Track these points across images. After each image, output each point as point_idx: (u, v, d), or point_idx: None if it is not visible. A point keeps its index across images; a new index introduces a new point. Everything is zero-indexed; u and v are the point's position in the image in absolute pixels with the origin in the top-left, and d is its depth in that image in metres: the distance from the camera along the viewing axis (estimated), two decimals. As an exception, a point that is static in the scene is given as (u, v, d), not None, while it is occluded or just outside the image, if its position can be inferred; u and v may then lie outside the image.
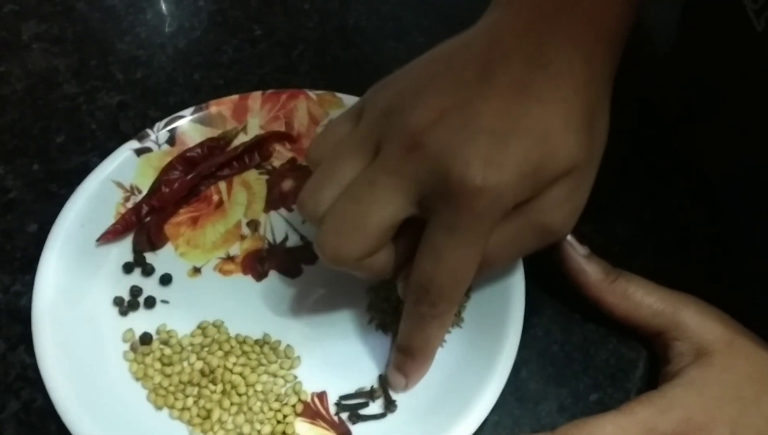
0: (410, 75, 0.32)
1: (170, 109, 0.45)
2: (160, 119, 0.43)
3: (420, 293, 0.31)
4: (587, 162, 0.31)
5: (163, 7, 0.53)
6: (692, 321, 0.34)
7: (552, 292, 0.39)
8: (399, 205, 0.30)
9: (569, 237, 0.36)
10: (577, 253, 0.36)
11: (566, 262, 0.37)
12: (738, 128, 0.39)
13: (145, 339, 0.37)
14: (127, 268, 0.39)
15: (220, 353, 0.37)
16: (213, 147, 0.43)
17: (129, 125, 0.46)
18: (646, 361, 0.37)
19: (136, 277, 0.39)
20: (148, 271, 0.39)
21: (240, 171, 0.43)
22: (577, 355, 0.38)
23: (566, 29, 0.31)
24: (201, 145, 0.43)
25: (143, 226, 0.41)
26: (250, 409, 0.35)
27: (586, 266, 0.36)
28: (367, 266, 0.31)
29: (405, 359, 0.35)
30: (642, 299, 0.35)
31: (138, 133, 0.42)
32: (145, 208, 0.41)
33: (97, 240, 0.39)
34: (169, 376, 0.36)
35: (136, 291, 0.39)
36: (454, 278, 0.30)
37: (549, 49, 0.31)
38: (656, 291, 0.35)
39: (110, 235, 0.40)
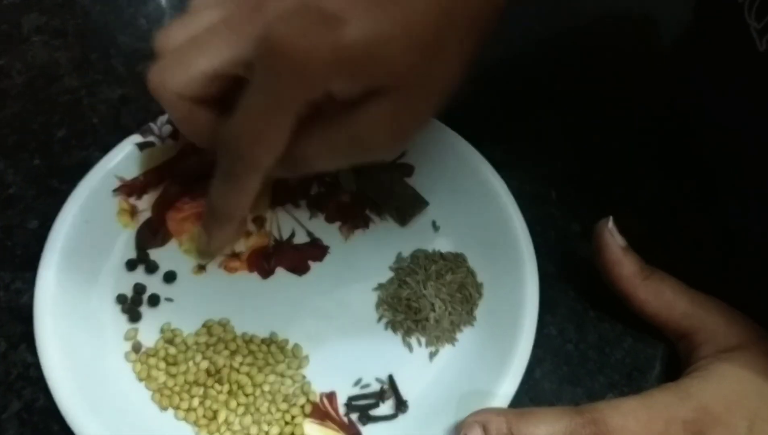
0: None
1: (173, 102, 0.44)
2: (163, 113, 0.42)
3: (224, 147, 0.32)
4: (418, 85, 0.31)
5: (166, -1, 0.52)
6: (720, 325, 0.34)
7: (566, 290, 0.39)
8: (226, 57, 0.31)
9: (611, 225, 0.36)
10: (616, 243, 0.36)
11: (604, 251, 0.36)
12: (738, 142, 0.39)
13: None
14: (131, 266, 0.39)
15: (226, 352, 0.36)
16: None
17: (131, 119, 0.45)
18: (662, 360, 0.37)
19: (139, 275, 0.39)
20: (151, 268, 0.39)
21: None
22: (592, 354, 0.37)
23: None
24: None
25: (147, 221, 0.40)
26: (257, 409, 0.35)
27: (623, 258, 0.36)
28: (187, 115, 0.32)
29: (207, 216, 0.36)
30: (674, 299, 0.35)
31: (140, 127, 0.42)
32: (168, 171, 0.40)
33: (114, 190, 0.39)
34: (174, 375, 0.35)
35: (139, 289, 0.38)
36: (253, 137, 0.30)
37: None
38: (687, 293, 0.35)
39: (126, 188, 0.39)
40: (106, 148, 0.41)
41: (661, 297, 0.35)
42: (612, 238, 0.36)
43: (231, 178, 0.32)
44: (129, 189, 0.40)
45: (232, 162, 0.32)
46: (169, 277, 0.38)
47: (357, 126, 0.31)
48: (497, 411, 0.32)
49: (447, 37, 0.31)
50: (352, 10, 0.29)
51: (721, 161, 0.42)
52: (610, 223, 0.36)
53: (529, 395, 0.36)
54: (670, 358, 0.36)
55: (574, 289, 0.39)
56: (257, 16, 0.30)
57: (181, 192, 0.41)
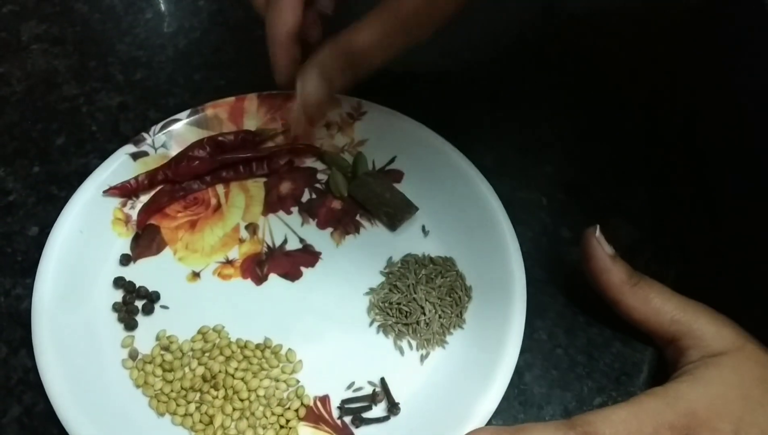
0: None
1: (170, 110, 0.45)
2: (160, 121, 0.43)
3: None
4: None
5: (163, 7, 0.52)
6: (707, 330, 0.34)
7: (556, 295, 0.39)
8: None
9: (598, 233, 0.36)
10: (604, 251, 0.36)
11: (592, 259, 0.36)
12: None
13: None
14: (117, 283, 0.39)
15: (221, 358, 0.37)
16: (246, 139, 0.43)
17: (129, 127, 0.46)
18: (650, 365, 0.37)
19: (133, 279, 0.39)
20: (142, 295, 0.39)
21: (245, 177, 0.43)
22: (581, 359, 0.37)
23: None
24: (236, 133, 0.43)
25: (137, 236, 0.41)
26: (252, 414, 0.35)
27: (611, 266, 0.36)
28: None
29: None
30: (662, 305, 0.35)
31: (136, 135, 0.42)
32: (160, 175, 0.41)
33: (105, 191, 0.40)
34: (170, 382, 0.36)
35: (131, 298, 0.38)
36: None
37: None
38: (674, 298, 0.35)
39: (117, 191, 0.40)
40: (104, 155, 0.42)
41: (649, 303, 0.35)
42: (599, 246, 0.36)
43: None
44: (119, 191, 0.40)
45: None
46: (155, 297, 0.39)
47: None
48: (492, 429, 0.33)
49: None
50: None
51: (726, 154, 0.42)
52: (598, 232, 0.36)
53: (519, 399, 0.36)
54: (658, 363, 0.37)
55: (563, 294, 0.39)
56: None
57: (171, 198, 0.42)
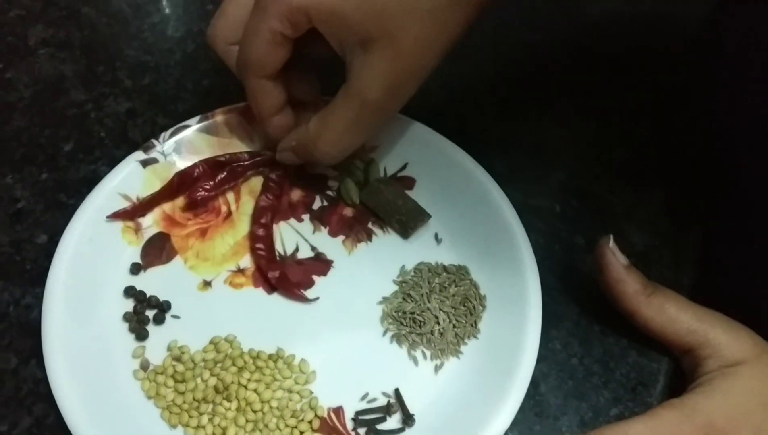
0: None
1: (179, 116, 0.45)
2: (169, 126, 0.42)
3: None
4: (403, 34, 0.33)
5: (171, 10, 0.52)
6: (724, 339, 0.34)
7: (571, 304, 0.39)
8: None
9: (612, 244, 0.36)
10: (618, 261, 0.36)
11: (606, 269, 0.36)
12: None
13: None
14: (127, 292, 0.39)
15: (233, 369, 0.36)
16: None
17: (138, 132, 0.45)
18: (666, 375, 0.37)
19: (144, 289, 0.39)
20: (152, 304, 0.38)
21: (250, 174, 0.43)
22: (597, 369, 0.37)
23: None
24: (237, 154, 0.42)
25: (151, 238, 0.40)
26: (266, 426, 0.35)
27: (626, 276, 0.36)
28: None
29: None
30: (678, 315, 0.35)
31: (146, 141, 0.42)
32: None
33: (108, 216, 0.39)
34: (182, 393, 0.36)
35: (142, 308, 0.38)
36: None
37: None
38: (691, 308, 0.35)
39: (120, 216, 0.40)
40: (113, 161, 0.41)
41: (665, 313, 0.35)
42: (614, 256, 0.36)
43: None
44: (123, 216, 0.40)
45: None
46: (166, 306, 0.39)
47: (358, 86, 0.34)
48: None
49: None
50: None
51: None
52: (611, 242, 0.36)
53: (534, 410, 0.36)
54: (674, 373, 0.36)
55: (578, 303, 0.39)
56: None
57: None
